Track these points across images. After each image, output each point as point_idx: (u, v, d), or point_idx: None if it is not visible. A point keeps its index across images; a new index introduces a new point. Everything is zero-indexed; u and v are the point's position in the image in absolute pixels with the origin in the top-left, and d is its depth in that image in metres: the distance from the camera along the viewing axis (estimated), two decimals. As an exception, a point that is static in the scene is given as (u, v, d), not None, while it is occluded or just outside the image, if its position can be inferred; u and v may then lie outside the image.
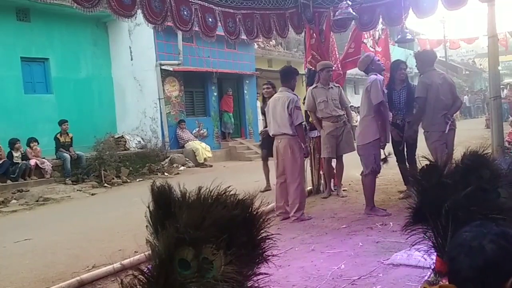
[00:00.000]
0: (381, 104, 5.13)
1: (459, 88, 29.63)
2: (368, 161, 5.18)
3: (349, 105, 7.14)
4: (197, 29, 5.36)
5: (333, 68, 6.65)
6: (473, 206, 1.63)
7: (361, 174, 5.38)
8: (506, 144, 7.54)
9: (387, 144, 5.30)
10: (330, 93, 6.17)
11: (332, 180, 6.60)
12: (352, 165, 7.43)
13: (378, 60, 5.63)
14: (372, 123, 5.15)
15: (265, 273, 1.61)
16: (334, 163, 6.48)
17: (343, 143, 6.23)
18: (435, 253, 1.73)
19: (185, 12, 5.07)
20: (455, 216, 1.61)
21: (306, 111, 6.39)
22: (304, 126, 5.74)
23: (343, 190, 6.56)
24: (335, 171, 6.52)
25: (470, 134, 14.06)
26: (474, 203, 1.64)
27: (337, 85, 6.42)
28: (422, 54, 5.81)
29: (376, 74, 5.25)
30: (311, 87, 6.34)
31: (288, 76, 5.43)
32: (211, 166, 12.45)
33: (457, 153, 1.92)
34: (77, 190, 9.36)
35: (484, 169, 1.79)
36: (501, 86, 10.60)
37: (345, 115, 6.35)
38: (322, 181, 6.67)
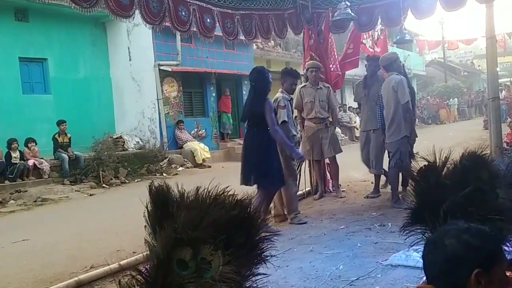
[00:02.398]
0: (408, 103, 5.30)
1: (458, 90, 29.48)
2: (395, 157, 5.46)
3: (338, 106, 7.15)
4: (195, 29, 5.36)
5: (332, 68, 6.66)
6: (472, 206, 1.63)
7: (389, 167, 5.73)
8: (505, 145, 7.55)
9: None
10: (318, 93, 6.15)
11: (331, 182, 6.60)
12: (352, 167, 7.44)
13: (401, 62, 5.83)
14: (400, 122, 5.37)
15: (263, 274, 1.61)
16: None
17: (327, 146, 6.17)
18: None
19: (183, 13, 5.06)
20: (454, 217, 1.61)
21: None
22: None
23: (342, 191, 6.55)
24: (329, 172, 6.51)
25: (468, 135, 14.11)
26: (472, 204, 1.64)
27: (326, 85, 6.32)
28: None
29: (397, 74, 5.44)
30: (300, 86, 6.31)
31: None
32: (209, 166, 12.44)
33: (456, 154, 1.92)
34: (75, 191, 9.33)
35: (482, 170, 1.79)
36: (500, 87, 10.59)
37: (330, 118, 6.30)
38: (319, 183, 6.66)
